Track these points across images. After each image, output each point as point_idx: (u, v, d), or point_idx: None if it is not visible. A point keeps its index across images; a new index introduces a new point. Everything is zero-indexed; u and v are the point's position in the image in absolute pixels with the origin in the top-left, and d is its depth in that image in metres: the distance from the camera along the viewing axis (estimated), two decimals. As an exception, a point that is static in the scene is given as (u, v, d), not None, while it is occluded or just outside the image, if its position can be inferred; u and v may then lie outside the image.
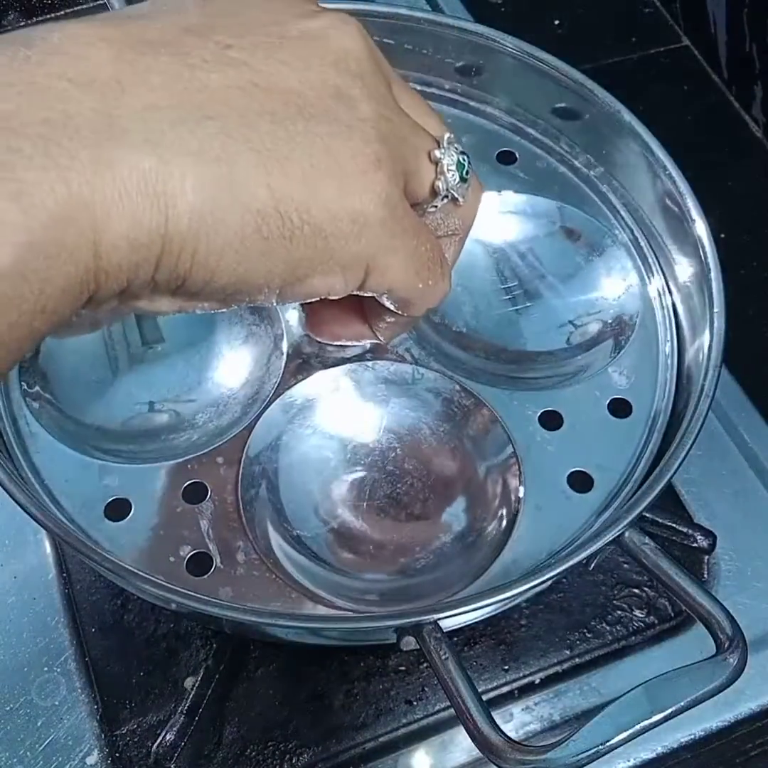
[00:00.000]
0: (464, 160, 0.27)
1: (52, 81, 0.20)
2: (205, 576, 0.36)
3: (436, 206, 0.27)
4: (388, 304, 0.27)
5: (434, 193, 0.27)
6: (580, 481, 0.39)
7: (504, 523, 0.38)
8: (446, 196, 0.27)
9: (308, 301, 0.26)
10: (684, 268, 0.43)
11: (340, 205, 0.23)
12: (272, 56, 0.23)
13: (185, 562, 0.36)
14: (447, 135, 0.27)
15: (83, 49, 0.21)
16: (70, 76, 0.20)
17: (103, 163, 0.20)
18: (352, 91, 0.23)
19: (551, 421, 0.40)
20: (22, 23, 0.63)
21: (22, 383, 0.39)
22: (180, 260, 0.21)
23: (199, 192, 0.21)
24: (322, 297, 0.25)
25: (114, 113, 0.20)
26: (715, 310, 0.39)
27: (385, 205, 0.23)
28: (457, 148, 0.27)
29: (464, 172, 0.27)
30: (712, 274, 0.40)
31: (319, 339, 0.34)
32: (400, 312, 0.28)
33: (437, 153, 0.26)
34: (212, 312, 0.25)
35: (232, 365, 0.41)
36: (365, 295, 0.26)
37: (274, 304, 0.25)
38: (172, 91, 0.21)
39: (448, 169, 0.26)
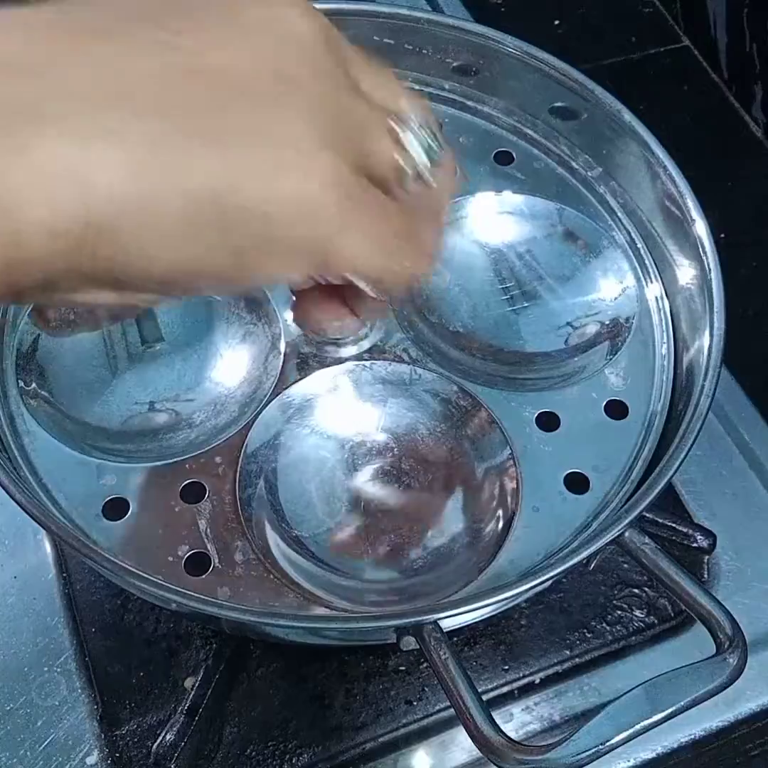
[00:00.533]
0: (432, 140, 0.25)
1: None
2: (204, 576, 0.36)
3: (406, 189, 0.25)
4: (361, 285, 0.25)
5: (399, 174, 0.25)
6: (577, 483, 0.39)
7: (501, 523, 0.38)
8: (417, 178, 0.25)
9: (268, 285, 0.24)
10: (684, 269, 0.43)
11: (280, 186, 0.21)
12: (215, 39, 0.22)
13: (183, 561, 0.36)
14: (415, 115, 0.25)
15: (4, 34, 0.20)
16: None
17: (20, 149, 0.19)
18: (296, 72, 0.22)
19: (548, 422, 0.40)
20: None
21: (20, 381, 0.39)
22: (105, 248, 0.20)
23: (123, 176, 0.20)
24: (284, 283, 0.24)
25: (33, 99, 0.20)
26: (715, 310, 0.39)
27: (334, 185, 0.22)
28: (425, 129, 0.25)
29: (432, 152, 0.25)
30: (713, 274, 0.40)
31: (304, 329, 0.33)
32: (378, 295, 0.26)
33: (399, 132, 0.25)
34: (171, 304, 0.23)
35: (230, 364, 0.41)
36: (333, 279, 0.25)
37: (229, 294, 0.24)
38: (100, 76, 0.20)
39: (411, 149, 0.25)
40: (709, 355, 0.39)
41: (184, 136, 0.21)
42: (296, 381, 0.40)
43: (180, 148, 0.20)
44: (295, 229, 0.22)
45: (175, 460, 0.38)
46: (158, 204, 0.20)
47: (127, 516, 0.37)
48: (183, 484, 0.37)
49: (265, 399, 0.40)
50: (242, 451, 0.38)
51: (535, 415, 0.40)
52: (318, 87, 0.23)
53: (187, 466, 0.38)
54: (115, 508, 0.37)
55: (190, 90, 0.21)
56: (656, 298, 0.44)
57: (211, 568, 0.36)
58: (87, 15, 0.22)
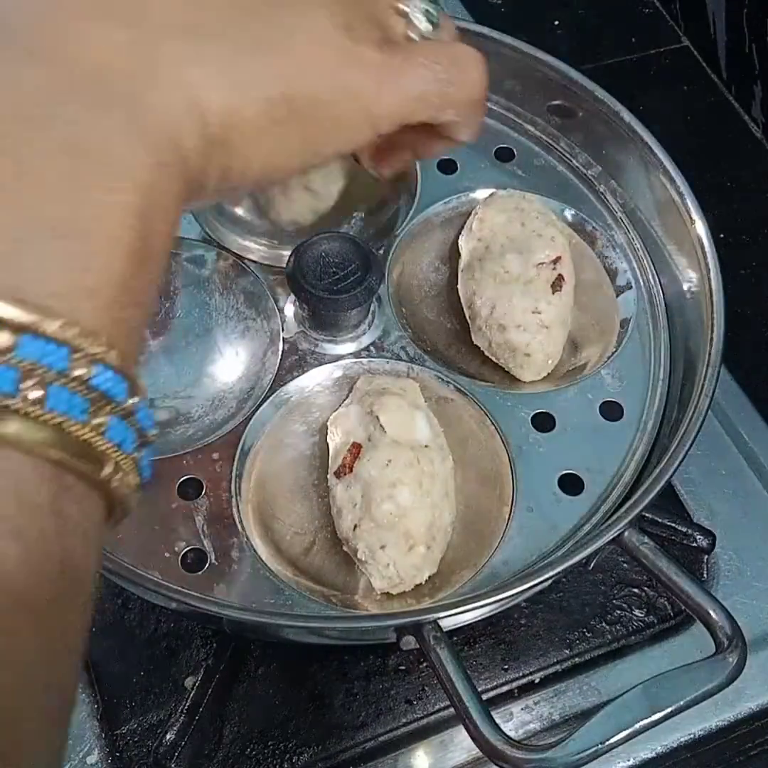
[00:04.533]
0: (432, 8, 0.30)
1: None
2: (200, 572, 0.36)
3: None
4: (436, 117, 0.29)
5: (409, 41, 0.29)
6: (571, 484, 0.38)
7: (496, 523, 0.38)
8: (424, 39, 0.29)
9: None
10: (683, 269, 0.43)
11: (326, 77, 0.26)
12: None
13: (180, 558, 0.36)
14: None
15: None
16: None
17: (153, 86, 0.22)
18: None
19: (544, 423, 0.40)
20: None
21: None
22: (219, 158, 0.24)
23: (224, 95, 0.23)
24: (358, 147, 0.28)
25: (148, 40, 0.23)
26: (715, 310, 0.40)
27: (368, 63, 0.26)
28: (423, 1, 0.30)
29: (433, 19, 0.30)
30: (712, 274, 0.40)
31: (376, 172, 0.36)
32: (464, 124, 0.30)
33: (401, 6, 0.29)
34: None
35: (229, 360, 0.41)
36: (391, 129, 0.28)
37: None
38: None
39: (415, 18, 0.29)
40: (708, 355, 0.39)
41: (248, 53, 0.24)
42: (294, 377, 0.40)
43: (250, 64, 0.24)
44: (346, 105, 0.26)
45: (172, 455, 0.38)
46: (250, 113, 0.24)
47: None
48: (180, 480, 0.37)
49: (263, 395, 0.40)
50: (239, 447, 0.38)
51: (531, 415, 0.40)
52: None
53: (184, 461, 0.38)
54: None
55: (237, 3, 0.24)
56: (655, 299, 0.44)
57: (207, 565, 0.36)
58: None
